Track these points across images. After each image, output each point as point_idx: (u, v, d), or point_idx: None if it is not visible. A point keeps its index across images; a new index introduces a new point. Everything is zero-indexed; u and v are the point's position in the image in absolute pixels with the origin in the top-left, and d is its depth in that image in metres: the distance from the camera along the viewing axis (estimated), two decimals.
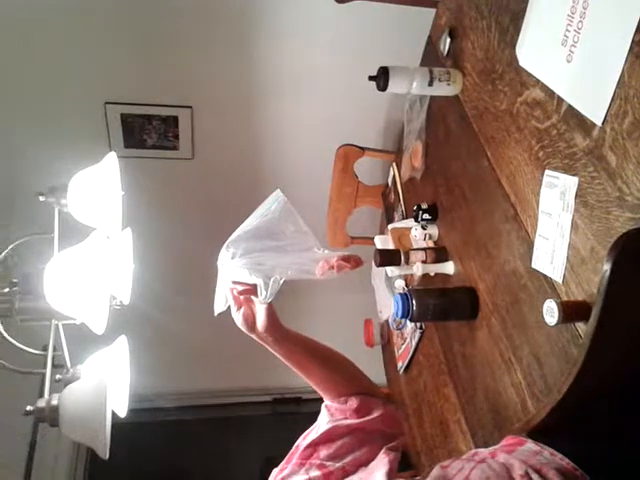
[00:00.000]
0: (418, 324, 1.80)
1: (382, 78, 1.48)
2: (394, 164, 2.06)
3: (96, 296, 0.99)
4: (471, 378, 1.47)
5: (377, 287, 2.22)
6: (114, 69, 2.22)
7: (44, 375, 1.18)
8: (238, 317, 0.91)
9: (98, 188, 1.12)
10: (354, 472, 0.91)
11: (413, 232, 1.68)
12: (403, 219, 1.94)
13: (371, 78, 1.50)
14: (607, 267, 0.76)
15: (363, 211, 2.43)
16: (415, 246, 1.69)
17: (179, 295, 2.29)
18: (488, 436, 1.38)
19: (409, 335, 1.92)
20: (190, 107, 2.37)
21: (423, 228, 1.66)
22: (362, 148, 2.14)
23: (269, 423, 2.96)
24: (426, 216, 1.65)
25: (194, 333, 2.30)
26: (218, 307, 0.91)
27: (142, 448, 2.68)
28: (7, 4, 1.98)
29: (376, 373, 2.34)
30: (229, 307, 0.92)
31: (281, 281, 0.84)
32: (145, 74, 2.26)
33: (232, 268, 0.87)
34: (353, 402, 0.99)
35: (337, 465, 0.90)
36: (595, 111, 1.00)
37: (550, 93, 1.14)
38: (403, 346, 1.98)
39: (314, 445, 0.92)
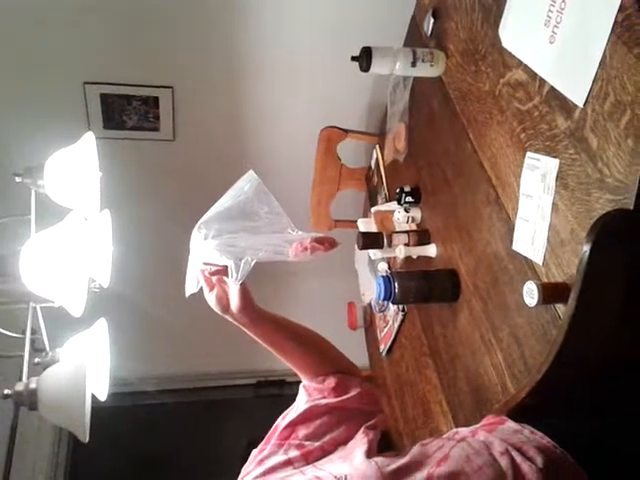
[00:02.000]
0: (400, 307, 1.81)
1: (365, 58, 1.47)
2: (377, 146, 2.05)
3: (74, 278, 0.98)
4: (452, 360, 1.49)
5: (360, 270, 2.23)
6: (93, 48, 2.17)
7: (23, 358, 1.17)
8: (211, 298, 0.90)
9: (75, 169, 1.09)
10: (333, 451, 0.91)
11: (396, 215, 1.67)
12: (386, 202, 1.93)
13: (354, 58, 1.49)
14: (586, 248, 0.76)
15: (347, 194, 2.42)
16: (398, 229, 1.69)
17: (160, 278, 2.27)
18: (469, 417, 1.40)
19: (391, 318, 1.93)
20: (171, 87, 2.32)
21: (406, 211, 1.66)
22: (345, 130, 2.13)
23: (252, 406, 2.97)
24: (409, 199, 1.65)
25: (176, 316, 2.28)
26: (189, 288, 0.91)
27: (124, 432, 2.68)
28: None
29: (359, 356, 2.35)
30: (201, 288, 0.91)
31: (252, 262, 0.84)
32: (125, 53, 2.21)
33: (204, 249, 0.86)
34: (331, 381, 0.99)
35: (316, 444, 0.90)
36: (577, 92, 1.00)
37: (532, 74, 1.14)
38: (386, 329, 1.99)
39: (292, 425, 0.92)
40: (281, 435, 0.91)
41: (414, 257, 1.66)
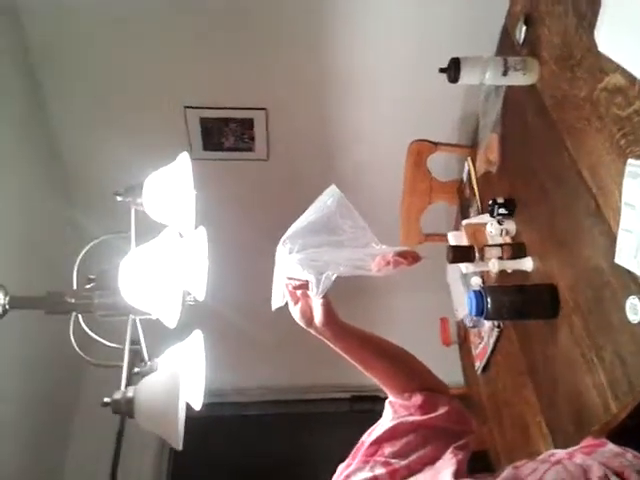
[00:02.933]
0: (496, 323, 1.75)
1: (453, 69, 1.45)
2: (469, 158, 2.01)
3: (169, 291, 1.02)
4: (551, 379, 1.42)
5: (452, 285, 2.18)
6: (192, 73, 2.29)
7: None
8: (295, 312, 0.91)
9: (171, 187, 1.15)
10: (420, 470, 0.89)
11: (488, 228, 1.63)
12: (479, 215, 1.88)
13: (442, 70, 1.47)
14: None
15: (438, 207, 2.38)
16: (491, 242, 1.65)
17: (254, 291, 2.34)
18: (569, 439, 1.33)
19: (486, 334, 1.87)
20: (265, 109, 2.40)
21: (499, 223, 1.61)
22: (435, 143, 2.10)
23: (348, 420, 2.96)
24: (502, 211, 1.60)
25: (271, 329, 2.33)
26: (276, 302, 0.92)
27: (222, 441, 2.76)
28: (91, 4, 2.08)
29: (454, 373, 2.29)
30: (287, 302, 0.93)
31: (333, 277, 0.84)
32: (221, 77, 2.32)
33: (288, 263, 0.88)
34: (417, 398, 0.97)
35: (402, 463, 0.88)
36: None
37: (631, 79, 1.08)
38: (480, 345, 1.93)
39: (379, 442, 0.90)
40: (367, 451, 0.90)
41: (509, 271, 1.60)
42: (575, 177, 1.29)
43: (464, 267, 1.67)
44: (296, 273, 0.88)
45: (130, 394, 1.09)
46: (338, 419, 2.98)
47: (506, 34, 1.71)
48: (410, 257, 0.86)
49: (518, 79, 1.45)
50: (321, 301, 0.90)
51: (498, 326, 1.74)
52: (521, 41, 1.55)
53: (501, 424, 1.80)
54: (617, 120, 1.13)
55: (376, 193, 2.56)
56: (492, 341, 1.79)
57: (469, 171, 2.00)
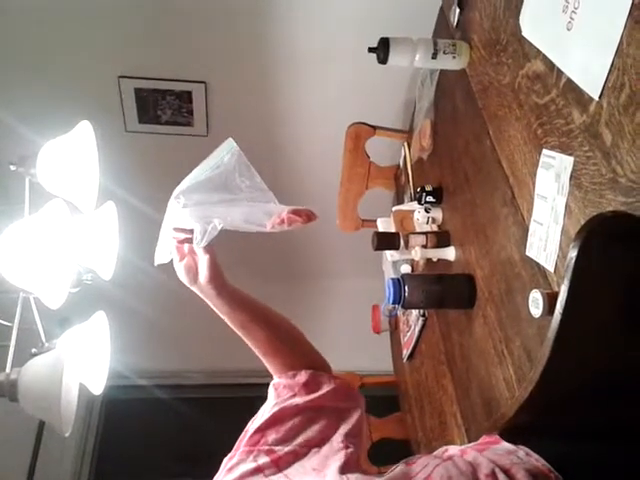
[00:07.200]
0: (421, 311, 1.73)
1: (382, 50, 1.40)
2: (405, 144, 1.97)
3: (50, 268, 0.96)
4: (467, 370, 1.40)
5: (386, 272, 2.15)
6: (128, 42, 2.18)
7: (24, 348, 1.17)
8: (180, 268, 0.87)
9: (68, 157, 1.08)
10: (306, 454, 0.85)
11: (416, 215, 1.60)
12: (411, 201, 1.85)
13: (371, 50, 1.42)
14: (573, 254, 0.67)
15: (378, 193, 2.35)
16: (418, 230, 1.62)
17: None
18: (482, 431, 1.31)
19: (413, 322, 1.85)
20: (204, 82, 2.32)
21: (426, 211, 1.58)
22: (373, 127, 2.06)
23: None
24: (429, 198, 1.57)
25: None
26: (160, 258, 0.88)
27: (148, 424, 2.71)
28: None
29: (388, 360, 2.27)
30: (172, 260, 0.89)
31: (219, 226, 0.81)
32: (158, 48, 2.22)
33: (178, 217, 0.84)
34: (302, 376, 0.93)
35: (287, 449, 0.84)
36: (592, 84, 0.91)
37: (550, 65, 1.05)
38: (408, 333, 1.91)
39: (261, 430, 0.86)
40: (250, 441, 0.86)
41: (434, 260, 1.58)
42: (495, 166, 1.26)
43: (389, 254, 1.63)
44: (183, 224, 0.84)
45: (14, 376, 1.03)
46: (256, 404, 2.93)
47: (442, 16, 1.67)
48: (305, 215, 0.84)
49: (448, 63, 1.41)
50: (207, 257, 0.86)
51: (423, 315, 1.72)
52: (455, 24, 1.51)
53: (422, 413, 1.79)
54: (535, 108, 1.10)
55: (317, 174, 2.51)
56: (417, 330, 1.77)
57: (405, 157, 1.96)
